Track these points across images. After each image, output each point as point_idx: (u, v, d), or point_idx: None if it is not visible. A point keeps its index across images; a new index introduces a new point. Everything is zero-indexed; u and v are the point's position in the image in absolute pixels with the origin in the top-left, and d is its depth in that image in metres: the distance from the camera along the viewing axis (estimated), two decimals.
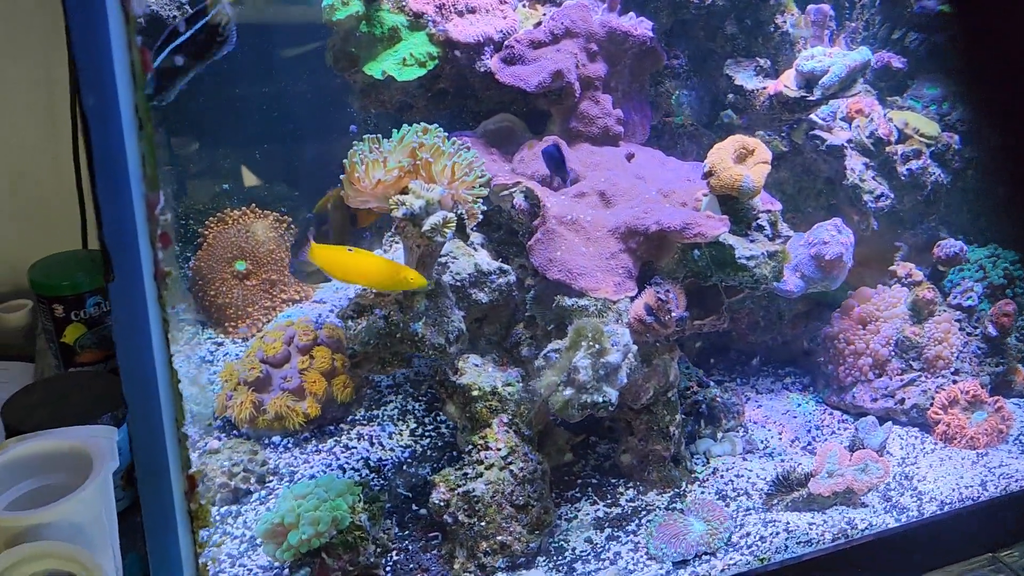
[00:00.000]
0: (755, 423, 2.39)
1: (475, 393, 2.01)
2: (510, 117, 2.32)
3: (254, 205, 3.09)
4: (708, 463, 2.26)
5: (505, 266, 2.08)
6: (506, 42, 2.23)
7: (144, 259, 1.28)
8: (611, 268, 1.99)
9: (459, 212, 1.87)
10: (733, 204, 2.04)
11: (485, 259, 2.10)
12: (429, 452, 2.28)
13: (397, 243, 2.17)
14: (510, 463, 1.97)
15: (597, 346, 1.88)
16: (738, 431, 2.36)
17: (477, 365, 2.06)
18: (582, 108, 2.23)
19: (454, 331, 1.92)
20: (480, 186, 1.89)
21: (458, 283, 2.04)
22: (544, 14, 2.30)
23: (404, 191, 1.87)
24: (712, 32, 2.40)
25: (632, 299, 2.00)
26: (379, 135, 1.89)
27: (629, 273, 2.00)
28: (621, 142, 2.25)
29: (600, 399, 1.88)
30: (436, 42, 2.23)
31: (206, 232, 3.01)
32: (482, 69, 2.25)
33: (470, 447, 2.00)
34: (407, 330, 1.85)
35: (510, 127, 2.31)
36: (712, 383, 2.39)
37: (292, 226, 3.12)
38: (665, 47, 2.36)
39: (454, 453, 2.26)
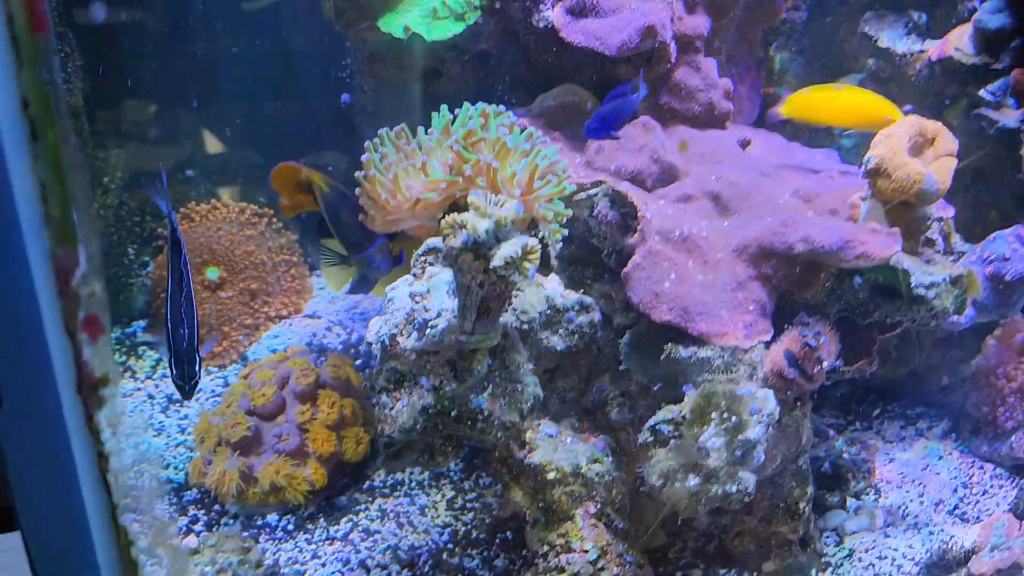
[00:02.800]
0: (888, 483, 1.87)
1: (551, 476, 1.46)
2: (576, 89, 1.74)
3: (227, 196, 2.49)
4: (842, 543, 1.74)
5: (586, 299, 1.52)
6: None
7: (57, 362, 0.73)
8: (738, 303, 1.44)
9: (541, 236, 1.30)
10: (902, 211, 1.49)
11: (558, 289, 1.53)
12: (476, 533, 1.73)
13: (434, 268, 1.59)
14: (601, 570, 1.43)
15: (735, 419, 1.34)
16: (868, 494, 1.84)
17: (551, 435, 1.51)
18: (678, 77, 1.65)
19: (529, 400, 1.36)
20: (564, 198, 1.33)
21: (525, 325, 1.48)
22: None
23: (453, 206, 1.30)
24: None
25: (767, 344, 1.46)
26: (404, 125, 1.31)
27: (763, 310, 1.45)
28: (729, 123, 1.69)
29: (734, 489, 1.36)
30: None
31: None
32: (541, 24, 1.66)
33: (546, 548, 1.46)
34: (467, 406, 1.29)
35: (576, 103, 1.73)
36: (834, 432, 1.86)
37: (275, 221, 2.53)
38: None
39: (508, 534, 1.72)
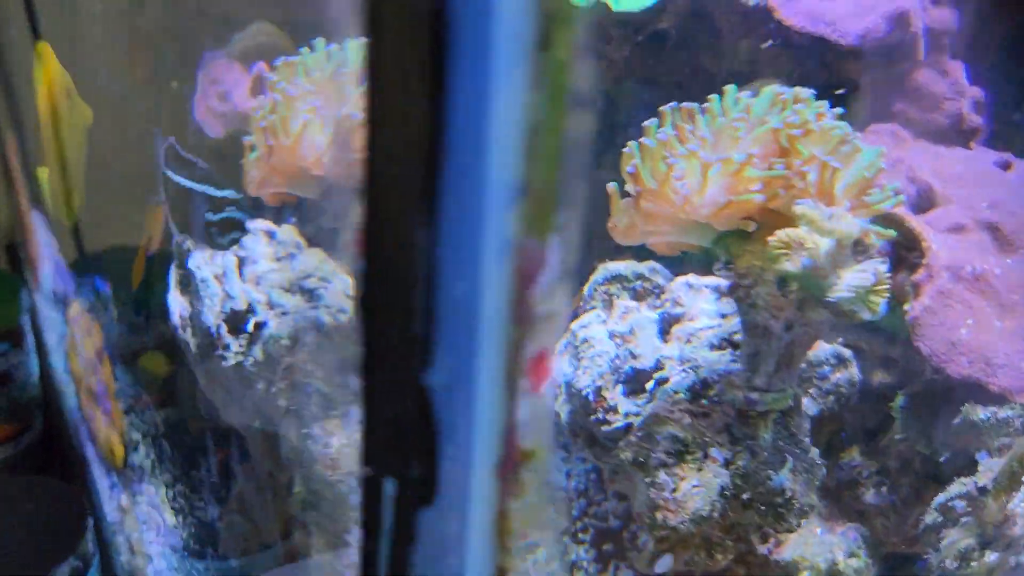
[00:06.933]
0: None
1: None
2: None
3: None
4: None
5: (843, 350, 1.19)
6: None
7: (481, 426, 0.35)
8: None
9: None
10: None
11: None
12: None
13: (624, 301, 1.24)
14: None
15: None
16: None
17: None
18: (921, 80, 1.36)
19: (819, 476, 1.03)
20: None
21: None
22: None
23: (749, 218, 0.96)
24: None
25: None
26: (692, 104, 0.97)
27: None
28: (973, 143, 1.41)
29: None
30: None
31: None
32: (752, 1, 1.35)
33: None
34: (764, 486, 0.95)
35: None
36: None
37: None
38: None
39: None
